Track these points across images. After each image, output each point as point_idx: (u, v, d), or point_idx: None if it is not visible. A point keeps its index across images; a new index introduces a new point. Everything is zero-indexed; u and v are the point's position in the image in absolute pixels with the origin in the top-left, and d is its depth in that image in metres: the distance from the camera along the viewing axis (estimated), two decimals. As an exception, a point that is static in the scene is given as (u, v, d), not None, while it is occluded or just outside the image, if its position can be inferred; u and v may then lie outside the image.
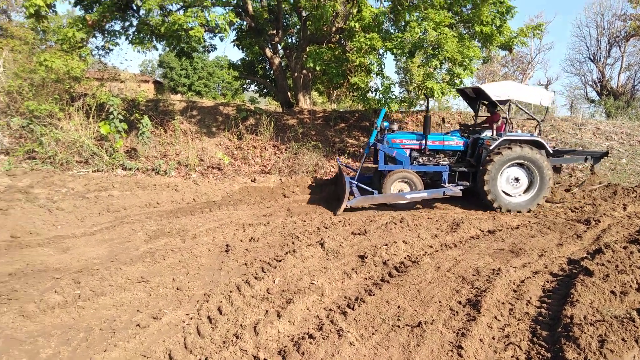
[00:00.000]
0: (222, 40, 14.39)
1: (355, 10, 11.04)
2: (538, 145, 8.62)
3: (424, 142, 8.84)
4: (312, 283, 4.35)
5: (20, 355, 2.97)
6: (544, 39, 41.77)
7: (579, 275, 4.44)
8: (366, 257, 5.14)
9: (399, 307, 3.88)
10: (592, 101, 28.32)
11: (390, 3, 11.51)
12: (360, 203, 7.94)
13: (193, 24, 9.59)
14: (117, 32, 12.05)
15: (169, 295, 4.11)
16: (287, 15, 15.32)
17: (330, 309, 3.86)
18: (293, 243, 5.75)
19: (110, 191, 7.97)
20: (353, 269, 4.83)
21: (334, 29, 12.54)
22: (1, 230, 5.95)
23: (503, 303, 3.94)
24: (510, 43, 11.53)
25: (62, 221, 6.62)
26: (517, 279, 4.48)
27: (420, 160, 8.95)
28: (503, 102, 8.79)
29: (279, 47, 14.27)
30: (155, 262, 4.89)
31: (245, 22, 13.56)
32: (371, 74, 11.31)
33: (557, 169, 9.30)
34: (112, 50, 12.67)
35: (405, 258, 5.22)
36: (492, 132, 8.83)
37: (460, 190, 8.35)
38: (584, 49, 30.38)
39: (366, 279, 4.65)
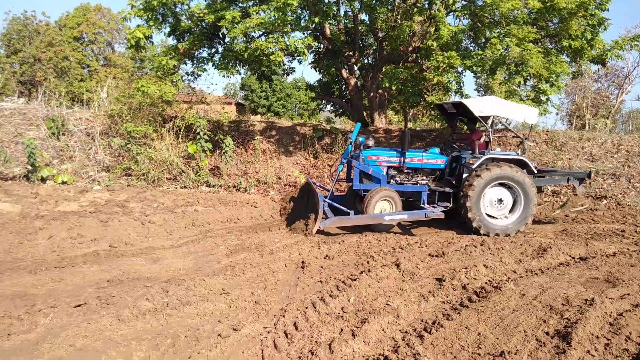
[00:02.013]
0: (300, 63, 14.87)
1: (432, 29, 10.94)
2: (522, 165, 8.01)
3: (402, 159, 8.26)
4: (388, 304, 4.29)
5: (117, 356, 3.23)
6: (643, 51, 38.43)
7: (688, 311, 3.97)
8: (444, 280, 4.98)
9: (479, 334, 3.70)
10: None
11: (469, 20, 11.27)
12: (334, 224, 7.41)
13: (274, 49, 10.04)
14: (204, 59, 12.91)
15: (248, 308, 4.25)
16: (363, 37, 15.52)
17: (406, 332, 3.78)
18: (368, 262, 5.72)
19: (195, 206, 8.45)
20: (430, 292, 4.70)
21: (410, 48, 12.49)
22: (102, 240, 6.53)
23: (597, 337, 3.62)
24: (604, 56, 10.76)
25: (153, 234, 7.12)
26: (614, 311, 4.09)
27: (398, 179, 8.34)
28: (485, 119, 8.12)
29: (355, 67, 14.47)
30: (235, 275, 5.09)
31: (322, 45, 13.93)
32: (449, 92, 11.09)
33: (538, 190, 8.65)
34: (200, 75, 13.59)
35: (486, 283, 4.98)
36: (475, 150, 8.19)
37: (442, 212, 7.77)
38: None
39: (444, 302, 4.50)
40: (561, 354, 3.32)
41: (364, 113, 15.45)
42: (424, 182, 8.38)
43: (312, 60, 15.25)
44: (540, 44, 10.71)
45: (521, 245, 6.76)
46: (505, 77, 9.90)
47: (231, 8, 10.52)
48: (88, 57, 28.41)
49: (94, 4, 29.74)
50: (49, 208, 7.62)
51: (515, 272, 5.44)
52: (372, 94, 14.47)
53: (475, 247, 6.43)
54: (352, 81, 14.25)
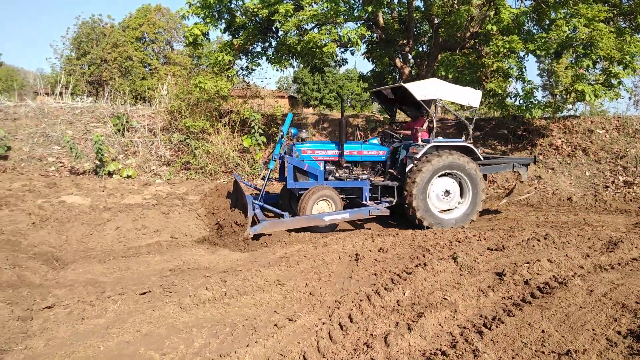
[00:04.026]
0: (352, 54, 14.78)
1: (492, 13, 10.47)
2: (467, 152, 7.36)
3: (340, 152, 7.56)
4: (445, 298, 4.18)
5: (179, 342, 3.36)
6: None
7: None
8: (505, 275, 4.77)
9: (543, 331, 3.52)
10: None
11: (532, 2, 10.67)
12: (266, 230, 6.48)
13: (326, 40, 10.02)
14: (258, 53, 13.14)
15: (303, 299, 4.29)
16: (418, 24, 15.15)
17: (465, 327, 3.66)
18: (424, 256, 5.60)
19: (251, 199, 8.64)
20: (489, 287, 4.52)
21: (468, 34, 12.04)
22: (164, 231, 6.83)
23: (678, 339, 3.33)
24: (686, 34, 9.86)
25: (211, 225, 7.35)
26: (698, 312, 3.75)
27: (337, 175, 7.69)
28: (428, 103, 7.46)
29: (410, 56, 14.16)
30: (290, 266, 5.15)
31: (375, 35, 13.74)
32: (510, 79, 10.59)
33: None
34: (254, 70, 13.85)
35: (550, 278, 4.72)
36: (418, 139, 7.54)
37: (387, 208, 7.18)
38: None
39: (504, 298, 4.31)
40: (635, 355, 3.09)
41: (419, 103, 15.11)
42: (365, 176, 7.78)
43: (365, 50, 15.11)
44: (612, 23, 9.97)
45: (589, 239, 6.35)
46: (571, 61, 9.31)
47: (284, 2, 10.62)
48: (149, 56, 29.74)
49: (154, 5, 31.03)
50: (115, 201, 8.06)
51: (582, 268, 5.12)
52: (426, 82, 14.11)
53: (539, 240, 6.11)
54: (407, 70, 13.97)
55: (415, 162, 7.23)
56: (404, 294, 4.33)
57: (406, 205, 7.21)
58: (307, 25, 11.21)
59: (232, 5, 11.89)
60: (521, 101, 10.19)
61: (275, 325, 3.66)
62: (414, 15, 13.54)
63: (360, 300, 4.16)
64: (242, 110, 12.18)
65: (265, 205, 7.19)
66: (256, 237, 6.44)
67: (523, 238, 6.33)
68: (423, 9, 13.68)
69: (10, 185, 8.65)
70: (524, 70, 10.66)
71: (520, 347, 3.29)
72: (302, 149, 7.45)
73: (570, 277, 4.71)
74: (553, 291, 4.29)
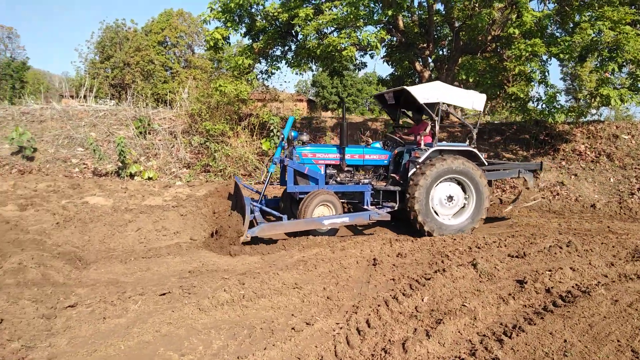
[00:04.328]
0: (372, 57, 14.74)
1: (514, 16, 10.35)
2: (471, 156, 7.18)
3: (341, 156, 7.43)
4: (464, 305, 4.12)
5: (198, 344, 3.39)
6: None
7: None
8: (526, 283, 4.69)
9: (565, 341, 3.44)
10: None
11: (556, 5, 10.51)
12: (265, 232, 6.48)
13: (346, 44, 10.03)
14: (278, 57, 13.22)
15: (320, 303, 4.29)
16: (438, 28, 15.06)
17: (484, 335, 3.60)
18: (442, 262, 5.54)
19: (269, 202, 8.67)
20: (510, 294, 4.45)
21: (489, 37, 11.92)
22: (183, 233, 6.91)
23: None
24: None
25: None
26: None
27: (338, 179, 7.55)
28: (431, 107, 7.27)
29: (429, 60, 14.08)
30: (307, 270, 5.16)
31: (395, 38, 13.70)
32: (532, 83, 10.43)
33: (487, 183, 7.65)
34: (273, 73, 13.93)
35: (573, 287, 4.62)
36: (420, 143, 7.38)
37: (388, 213, 7.04)
38: None
39: (525, 306, 4.24)
40: (663, 369, 3.00)
41: (439, 107, 14.99)
42: (366, 180, 7.67)
43: (385, 54, 15.06)
44: (639, 25, 9.73)
45: (613, 247, 6.20)
46: (596, 64, 9.12)
47: (304, 6, 10.68)
48: (170, 60, 30.20)
49: (177, 9, 31.55)
50: (136, 202, 8.19)
51: (606, 277, 5.00)
52: (447, 86, 14.01)
53: (561, 248, 5.99)
54: (426, 74, 13.88)
55: (417, 166, 7.13)
56: (423, 300, 4.29)
57: (408, 209, 7.08)
58: (327, 29, 11.25)
59: (253, 10, 12.01)
60: (544, 105, 10.03)
61: (293, 328, 3.66)
62: (435, 18, 13.46)
63: (378, 306, 4.14)
64: (261, 113, 12.27)
65: (265, 208, 7.15)
66: (254, 240, 6.43)
67: (545, 245, 6.21)
68: (443, 12, 13.59)
69: (36, 186, 8.87)
70: (546, 74, 10.50)
71: (542, 356, 3.23)
72: (303, 152, 7.37)
73: (593, 286, 4.60)
74: (576, 300, 4.20)
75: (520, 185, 10.29)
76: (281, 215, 6.79)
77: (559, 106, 9.98)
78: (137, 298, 4.11)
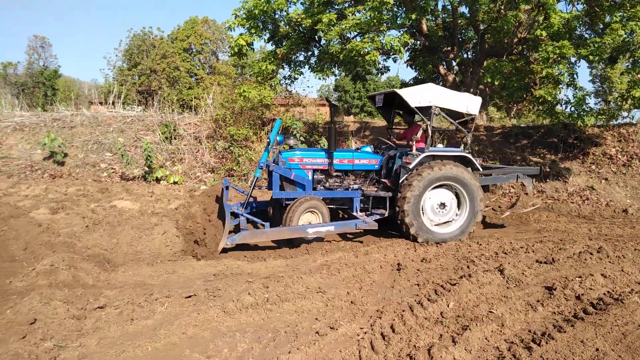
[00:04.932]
0: (395, 61, 14.68)
1: (541, 18, 10.17)
2: (465, 162, 6.95)
3: (329, 160, 7.19)
4: (491, 311, 4.05)
5: (223, 346, 3.42)
6: None
7: None
8: (555, 289, 4.57)
9: (597, 349, 3.34)
10: None
11: (585, 5, 10.27)
12: (246, 240, 6.31)
13: (369, 48, 10.01)
14: (301, 62, 13.30)
15: (344, 308, 4.27)
16: (462, 31, 14.90)
17: (512, 342, 3.53)
18: (468, 267, 5.46)
19: (292, 206, 8.70)
20: (539, 301, 4.34)
21: (515, 39, 11.73)
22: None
23: None
24: None
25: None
26: None
27: (327, 184, 7.31)
28: (424, 110, 7.00)
29: (454, 63, 13.94)
30: (331, 274, 5.15)
31: (419, 42, 13.61)
32: (560, 85, 10.20)
33: (484, 189, 7.41)
34: (297, 79, 14.00)
35: (604, 294, 4.48)
36: (412, 147, 7.11)
37: (376, 221, 6.80)
38: None
39: (555, 313, 4.13)
40: (703, 382, 2.88)
41: (463, 110, 14.80)
42: (356, 186, 7.41)
43: (408, 57, 14.97)
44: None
45: (648, 253, 6.00)
46: (628, 66, 8.86)
47: (327, 11, 10.71)
48: (195, 67, 30.71)
49: (202, 17, 32.10)
50: (162, 206, 8.32)
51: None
52: (471, 90, 13.79)
53: (591, 254, 5.83)
54: (450, 77, 13.74)
55: (409, 172, 6.92)
56: (448, 306, 4.23)
57: (399, 221, 6.91)
58: (350, 33, 11.26)
59: (276, 16, 12.10)
60: (572, 108, 9.79)
61: (317, 332, 3.66)
62: (459, 21, 13.33)
63: (403, 311, 4.10)
64: (285, 118, 12.35)
65: (248, 216, 6.98)
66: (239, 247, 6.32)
67: (574, 251, 6.06)
68: (468, 15, 13.44)
69: (66, 190, 9.12)
70: (575, 76, 10.26)
71: (573, 365, 3.14)
72: (290, 157, 7.15)
73: (626, 294, 4.46)
74: (608, 308, 4.07)
75: (519, 190, 10.08)
76: (263, 222, 6.70)
77: (589, 109, 9.72)
78: (163, 300, 4.18)
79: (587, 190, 10.41)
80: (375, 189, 7.47)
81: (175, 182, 10.53)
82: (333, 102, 7.89)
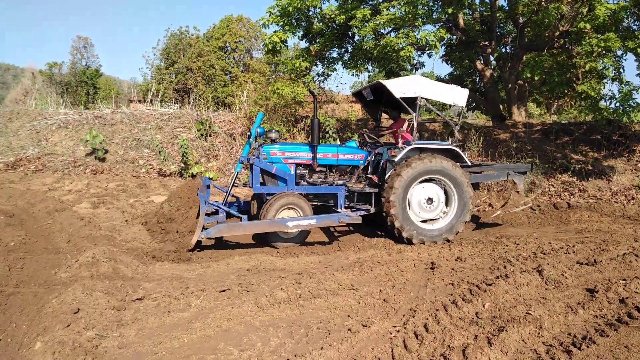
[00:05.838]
0: (430, 56, 14.44)
1: (585, 10, 9.75)
2: (453, 156, 6.63)
3: (313, 155, 6.95)
4: (528, 313, 3.93)
5: (256, 340, 3.47)
6: None
7: None
8: (597, 292, 4.40)
9: (643, 357, 3.19)
10: None
11: (632, -5, 9.79)
12: (222, 233, 6.07)
13: (404, 44, 9.89)
14: (334, 59, 13.27)
15: (376, 306, 4.25)
16: (501, 25, 14.50)
17: (551, 345, 3.42)
18: (505, 267, 5.32)
19: (325, 203, 8.72)
20: (579, 304, 4.19)
21: (557, 33, 11.31)
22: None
23: None
24: None
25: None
26: None
27: (310, 179, 7.08)
28: (409, 102, 6.69)
29: (491, 58, 13.59)
30: (363, 272, 5.13)
31: (455, 37, 13.34)
32: (604, 80, 9.78)
33: (473, 187, 7.05)
34: (330, 75, 14.00)
35: (651, 298, 4.28)
36: (398, 141, 6.85)
37: (360, 216, 6.46)
38: None
39: (596, 316, 3.98)
40: None
41: (501, 106, 14.43)
42: (340, 182, 7.20)
43: (444, 53, 14.70)
44: None
45: (699, 256, 5.68)
46: (679, 59, 8.41)
47: (361, 7, 10.64)
48: (230, 64, 31.11)
49: (236, 15, 32.46)
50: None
51: (691, 289, 4.59)
52: (510, 85, 13.44)
53: (637, 256, 5.57)
54: (488, 73, 13.42)
55: (394, 166, 6.68)
56: (484, 306, 4.14)
57: (384, 214, 6.62)
58: (384, 29, 11.14)
59: (310, 13, 12.12)
60: (617, 104, 9.35)
61: (349, 329, 3.65)
62: (497, 15, 12.97)
63: (437, 310, 4.04)
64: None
65: (230, 211, 6.75)
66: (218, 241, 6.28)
67: (618, 252, 5.81)
68: (507, 8, 13.07)
69: (107, 185, 9.46)
70: (621, 70, 9.80)
71: (616, 371, 3.02)
72: (271, 151, 6.91)
73: (675, 298, 4.24)
74: (655, 313, 3.89)
75: (510, 189, 9.69)
76: (240, 215, 6.53)
77: (635, 104, 9.26)
78: (199, 293, 4.27)
79: (633, 189, 9.94)
80: (361, 185, 7.29)
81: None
82: (313, 92, 7.72)
